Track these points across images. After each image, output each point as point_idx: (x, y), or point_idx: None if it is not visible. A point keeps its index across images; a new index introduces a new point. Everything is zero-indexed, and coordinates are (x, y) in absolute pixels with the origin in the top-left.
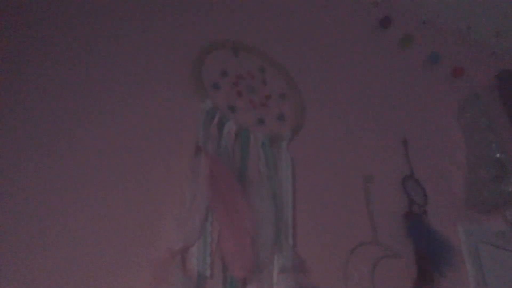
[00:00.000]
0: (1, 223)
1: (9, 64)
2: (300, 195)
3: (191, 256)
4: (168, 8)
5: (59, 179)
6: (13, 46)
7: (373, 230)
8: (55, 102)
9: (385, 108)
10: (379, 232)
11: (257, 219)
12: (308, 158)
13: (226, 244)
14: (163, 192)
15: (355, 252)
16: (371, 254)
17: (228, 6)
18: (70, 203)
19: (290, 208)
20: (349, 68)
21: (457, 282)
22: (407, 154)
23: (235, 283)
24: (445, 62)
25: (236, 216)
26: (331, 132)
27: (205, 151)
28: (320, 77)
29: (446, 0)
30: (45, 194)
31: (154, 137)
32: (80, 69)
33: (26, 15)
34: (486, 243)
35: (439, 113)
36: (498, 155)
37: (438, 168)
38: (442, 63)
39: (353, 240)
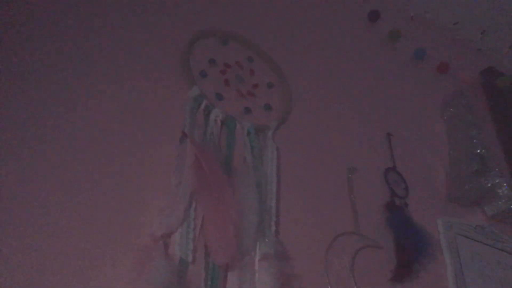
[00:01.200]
0: None
1: None
2: (284, 184)
3: (174, 242)
4: None
5: (40, 165)
6: None
7: (355, 221)
8: (37, 84)
9: (371, 101)
10: (360, 223)
11: (241, 206)
12: (293, 148)
13: (209, 230)
14: (148, 178)
15: (337, 241)
16: (352, 243)
17: None
18: (52, 190)
19: (274, 196)
20: (336, 60)
21: (435, 274)
22: (390, 147)
23: (217, 269)
24: (431, 57)
25: (220, 203)
26: (316, 123)
27: (190, 138)
28: (307, 69)
29: None
30: (25, 181)
31: (139, 123)
32: (66, 55)
33: None
34: (464, 236)
35: (423, 107)
36: (478, 150)
37: (420, 161)
38: (428, 59)
39: (335, 229)
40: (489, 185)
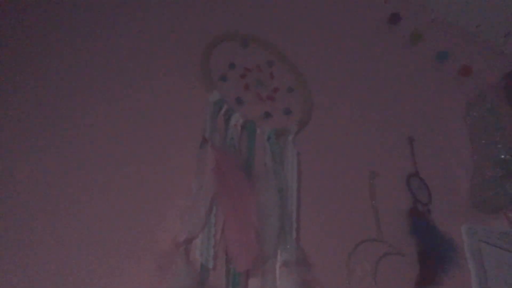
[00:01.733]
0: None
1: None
2: (305, 189)
3: (195, 247)
4: None
5: (63, 170)
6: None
7: (377, 227)
8: (57, 90)
9: (392, 105)
10: (382, 229)
11: (262, 212)
12: (314, 153)
13: (230, 236)
14: (169, 184)
15: (358, 248)
16: (374, 250)
17: None
18: (74, 195)
19: (295, 202)
20: (357, 64)
21: (459, 281)
22: (412, 152)
23: (238, 276)
24: (453, 60)
25: (241, 208)
26: (337, 127)
27: (211, 142)
28: (327, 72)
29: None
30: (48, 186)
31: (160, 128)
32: (86, 59)
33: None
34: (488, 243)
35: (446, 111)
36: (503, 156)
37: (443, 167)
38: (450, 62)
39: (357, 236)
40: None
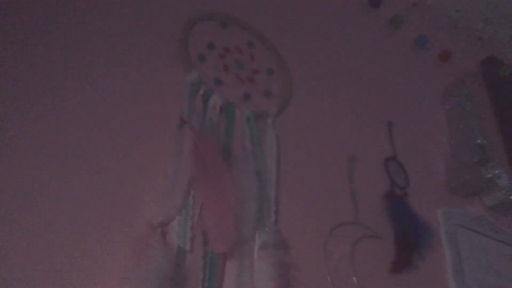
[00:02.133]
0: None
1: None
2: (284, 172)
3: (172, 230)
4: None
5: (35, 150)
6: None
7: (355, 210)
8: (32, 66)
9: (372, 89)
10: (360, 212)
11: (240, 194)
12: (293, 136)
13: (207, 218)
14: (145, 165)
15: (336, 231)
16: (352, 233)
17: None
18: (46, 176)
19: (274, 185)
20: (337, 47)
21: (434, 264)
22: (391, 136)
23: (215, 258)
24: (433, 45)
25: (219, 191)
26: (317, 111)
27: (189, 124)
28: (308, 55)
29: None
30: (21, 167)
31: (137, 108)
32: (61, 37)
33: None
34: (464, 227)
35: (424, 96)
36: (479, 141)
37: (420, 151)
38: (429, 47)
39: (335, 219)
40: (489, 175)
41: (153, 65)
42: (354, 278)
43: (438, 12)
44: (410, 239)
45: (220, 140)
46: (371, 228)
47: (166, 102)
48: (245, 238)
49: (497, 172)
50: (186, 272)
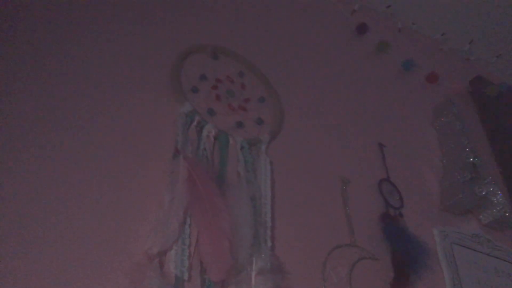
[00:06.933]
0: None
1: None
2: (279, 198)
3: (169, 259)
4: (148, 11)
5: (32, 181)
6: None
7: (350, 233)
8: (27, 102)
9: (362, 113)
10: (356, 235)
11: (235, 221)
12: (287, 162)
13: (204, 247)
14: (141, 196)
15: (333, 254)
16: (349, 256)
17: (208, 10)
18: (43, 207)
19: (269, 210)
20: (326, 73)
21: (433, 283)
22: (383, 158)
23: (213, 286)
24: (420, 68)
25: (215, 219)
26: (309, 136)
27: (183, 154)
28: (298, 82)
29: (421, 8)
30: (20, 195)
31: (132, 140)
32: (56, 71)
33: None
34: (460, 245)
35: (414, 118)
36: (471, 159)
37: (413, 171)
38: (417, 70)
39: (331, 242)
40: (483, 193)
41: (146, 97)
42: None
43: (424, 36)
44: (407, 259)
45: (214, 169)
46: (368, 250)
47: (161, 134)
48: (242, 265)
49: (491, 189)
50: None
